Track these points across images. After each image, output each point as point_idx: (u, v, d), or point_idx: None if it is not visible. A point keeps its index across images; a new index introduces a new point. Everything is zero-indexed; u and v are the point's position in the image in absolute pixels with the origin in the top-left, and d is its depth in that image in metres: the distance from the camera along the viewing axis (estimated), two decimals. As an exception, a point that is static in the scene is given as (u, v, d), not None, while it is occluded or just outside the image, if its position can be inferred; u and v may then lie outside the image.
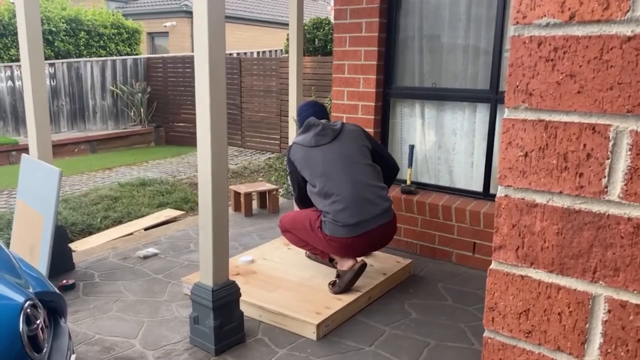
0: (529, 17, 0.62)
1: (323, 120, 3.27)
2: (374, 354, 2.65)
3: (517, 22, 0.63)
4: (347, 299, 3.03)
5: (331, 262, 3.40)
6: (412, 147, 4.04)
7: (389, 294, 3.33)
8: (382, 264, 3.56)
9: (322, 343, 2.74)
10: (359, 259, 3.14)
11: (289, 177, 3.52)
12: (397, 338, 2.81)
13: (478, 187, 3.86)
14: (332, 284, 3.14)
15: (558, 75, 0.61)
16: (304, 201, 3.33)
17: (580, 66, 0.59)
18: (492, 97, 3.68)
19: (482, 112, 3.79)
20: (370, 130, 4.09)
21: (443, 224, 3.84)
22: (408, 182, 4.05)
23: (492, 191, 3.77)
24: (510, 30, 0.64)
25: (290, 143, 3.60)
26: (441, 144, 4.05)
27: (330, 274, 3.33)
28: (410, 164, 4.04)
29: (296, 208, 3.53)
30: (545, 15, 0.61)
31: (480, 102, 3.77)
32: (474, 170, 3.90)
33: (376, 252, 3.69)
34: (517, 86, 0.64)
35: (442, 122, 4.02)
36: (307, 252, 3.64)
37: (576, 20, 0.59)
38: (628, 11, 0.56)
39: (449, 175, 4.04)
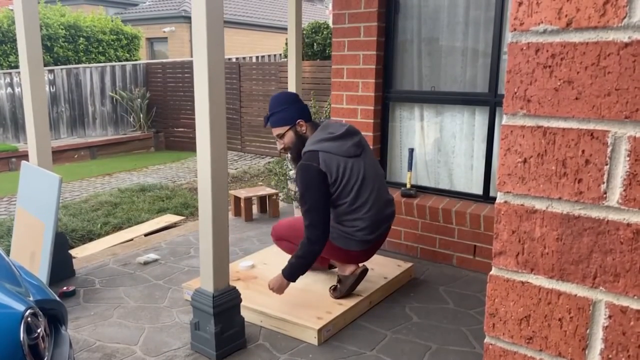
0: (526, 24, 0.62)
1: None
2: (376, 358, 2.65)
3: (515, 29, 0.63)
4: (348, 303, 3.03)
5: (329, 268, 3.39)
6: (411, 151, 4.04)
7: (390, 298, 3.33)
8: (383, 267, 3.56)
9: (324, 348, 2.74)
10: (360, 264, 3.14)
11: (304, 200, 2.80)
12: (398, 342, 2.80)
13: (478, 189, 3.86)
14: (334, 289, 3.13)
15: (556, 81, 0.61)
16: (327, 234, 2.83)
17: (578, 72, 0.60)
18: (491, 100, 3.68)
19: (481, 115, 3.79)
20: (370, 134, 4.10)
21: (443, 227, 3.84)
22: (408, 186, 4.05)
23: (492, 194, 3.77)
24: (508, 37, 0.65)
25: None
26: (441, 147, 4.05)
27: (331, 278, 3.32)
28: (410, 168, 4.04)
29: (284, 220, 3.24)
30: (542, 22, 0.61)
31: (479, 105, 3.78)
32: (474, 173, 3.90)
33: (377, 256, 3.69)
34: (515, 92, 0.64)
35: (441, 125, 4.02)
36: None
37: (573, 26, 0.59)
38: (625, 17, 0.56)
39: (449, 178, 4.04)
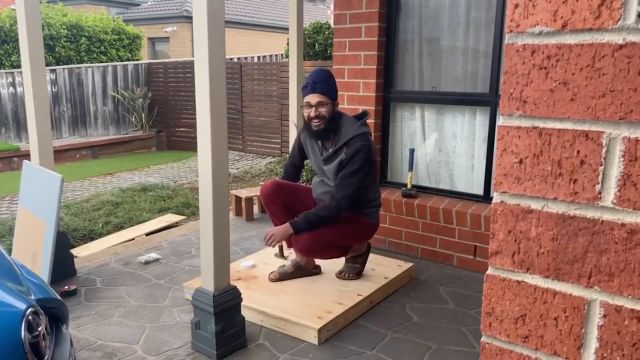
0: (522, 26, 0.63)
1: None
2: (376, 358, 2.65)
3: (511, 31, 0.64)
4: (348, 303, 3.04)
5: (314, 269, 3.43)
6: (412, 151, 4.04)
7: (390, 298, 3.33)
8: (384, 267, 3.56)
9: (324, 347, 2.74)
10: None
11: (355, 174, 2.97)
12: (398, 342, 2.81)
13: (479, 190, 3.86)
14: (357, 273, 3.36)
15: (551, 82, 0.62)
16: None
17: (573, 74, 0.60)
18: (492, 100, 3.69)
19: (482, 115, 3.80)
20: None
21: (444, 227, 3.84)
22: (409, 186, 4.05)
23: (492, 194, 3.77)
24: (505, 39, 0.65)
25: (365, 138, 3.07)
26: (441, 148, 4.05)
27: (329, 279, 3.33)
28: (410, 168, 4.05)
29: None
30: (538, 24, 0.62)
31: (480, 105, 3.78)
32: (475, 174, 3.90)
33: (377, 256, 3.71)
34: (512, 93, 0.65)
35: (442, 126, 4.02)
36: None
37: (568, 28, 0.60)
38: (619, 19, 0.56)
39: (450, 178, 4.04)
